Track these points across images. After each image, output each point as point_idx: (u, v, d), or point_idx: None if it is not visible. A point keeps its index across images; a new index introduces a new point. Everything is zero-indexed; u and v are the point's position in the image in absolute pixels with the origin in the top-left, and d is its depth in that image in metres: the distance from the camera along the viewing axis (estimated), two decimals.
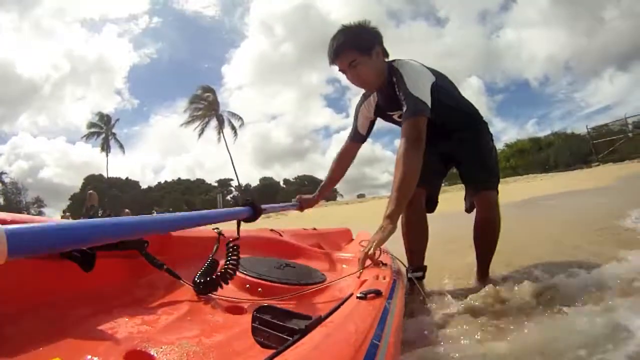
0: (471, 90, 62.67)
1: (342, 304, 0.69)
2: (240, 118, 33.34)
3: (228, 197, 36.29)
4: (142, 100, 72.97)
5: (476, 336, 1.12)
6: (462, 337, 1.12)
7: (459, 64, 70.59)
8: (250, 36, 77.34)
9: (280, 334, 0.54)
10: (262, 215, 1.21)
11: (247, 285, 1.01)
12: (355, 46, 1.43)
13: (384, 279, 0.98)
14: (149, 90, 75.74)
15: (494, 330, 1.16)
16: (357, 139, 1.82)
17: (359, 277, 1.05)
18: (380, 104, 1.66)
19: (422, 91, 1.39)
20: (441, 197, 1.85)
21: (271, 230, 1.69)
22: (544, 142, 30.36)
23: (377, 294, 0.76)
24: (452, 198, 2.44)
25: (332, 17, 75.43)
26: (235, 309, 0.88)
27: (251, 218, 1.17)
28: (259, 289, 1.00)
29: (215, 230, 1.26)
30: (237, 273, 1.04)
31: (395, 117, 1.58)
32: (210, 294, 0.88)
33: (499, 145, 35.77)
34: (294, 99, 74.92)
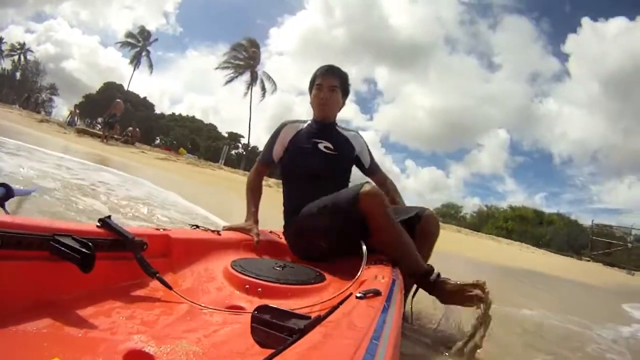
0: (496, 141, 62.25)
1: (341, 303, 0.69)
2: (274, 83, 32.97)
3: (233, 152, 36.15)
4: (186, 31, 72.27)
5: None
6: None
7: (494, 112, 69.95)
8: (308, 9, 76.34)
9: (279, 334, 0.54)
10: None
11: (247, 286, 1.01)
12: (343, 81, 1.78)
13: (383, 278, 0.97)
14: (195, 24, 74.83)
15: None
16: (270, 165, 1.85)
17: (357, 277, 1.06)
18: (311, 132, 1.76)
19: None
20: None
21: (270, 231, 1.71)
22: (546, 218, 30.40)
23: (376, 293, 0.75)
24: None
25: (391, 20, 74.43)
26: (234, 309, 0.88)
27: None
28: (259, 289, 1.00)
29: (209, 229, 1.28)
30: (237, 273, 1.06)
31: (322, 146, 1.72)
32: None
33: (503, 205, 35.92)
34: None
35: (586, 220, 27.09)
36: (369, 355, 0.44)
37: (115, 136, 12.91)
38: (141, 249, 0.91)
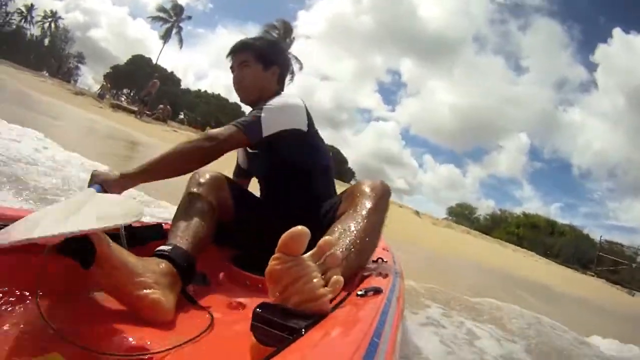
0: (516, 144, 61.51)
1: (342, 301, 0.69)
2: (301, 63, 32.82)
3: None
4: (216, 8, 72.27)
5: None
6: None
7: (517, 115, 68.95)
8: None
9: (280, 333, 0.53)
10: None
11: (247, 282, 1.02)
12: (257, 51, 1.41)
13: (385, 276, 0.97)
14: (226, 2, 75.00)
15: None
16: (241, 173, 1.57)
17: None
18: None
19: None
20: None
21: None
22: (558, 228, 30.31)
23: (378, 291, 0.75)
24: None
25: (419, 11, 73.24)
26: (235, 305, 0.89)
27: None
28: (259, 285, 1.00)
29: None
30: (237, 269, 1.06)
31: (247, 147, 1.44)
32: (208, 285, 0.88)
33: (518, 211, 35.66)
34: (351, 70, 73.72)
35: (599, 236, 27.02)
36: (369, 353, 0.45)
37: (147, 112, 13.56)
38: (141, 244, 0.95)
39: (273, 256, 0.60)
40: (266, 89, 1.40)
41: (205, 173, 1.16)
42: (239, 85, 1.42)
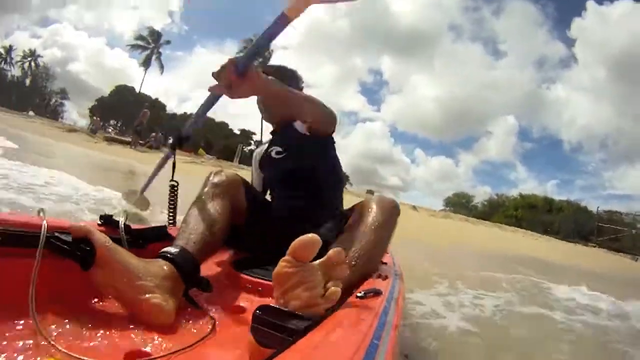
0: (505, 128, 62.00)
1: (341, 303, 0.69)
2: None
3: (246, 149, 36.81)
4: (192, 30, 72.66)
5: None
6: None
7: (501, 99, 69.49)
8: None
9: (280, 334, 0.54)
10: None
11: (248, 285, 1.02)
12: (279, 76, 1.44)
13: (384, 278, 0.98)
14: (201, 23, 75.22)
15: None
16: None
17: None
18: (269, 144, 1.57)
19: None
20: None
21: None
22: (556, 205, 30.59)
23: (377, 293, 0.76)
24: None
25: (393, 7, 74.03)
26: (235, 309, 0.89)
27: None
28: (259, 289, 1.00)
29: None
30: (238, 272, 1.06)
31: (273, 153, 1.50)
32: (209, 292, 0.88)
33: (514, 193, 35.97)
34: (333, 75, 73.88)
35: (597, 207, 27.43)
36: (369, 355, 0.45)
37: (141, 142, 13.80)
38: (143, 246, 0.95)
39: (283, 258, 0.61)
40: (280, 111, 1.50)
41: (222, 173, 1.16)
42: (265, 106, 1.53)
